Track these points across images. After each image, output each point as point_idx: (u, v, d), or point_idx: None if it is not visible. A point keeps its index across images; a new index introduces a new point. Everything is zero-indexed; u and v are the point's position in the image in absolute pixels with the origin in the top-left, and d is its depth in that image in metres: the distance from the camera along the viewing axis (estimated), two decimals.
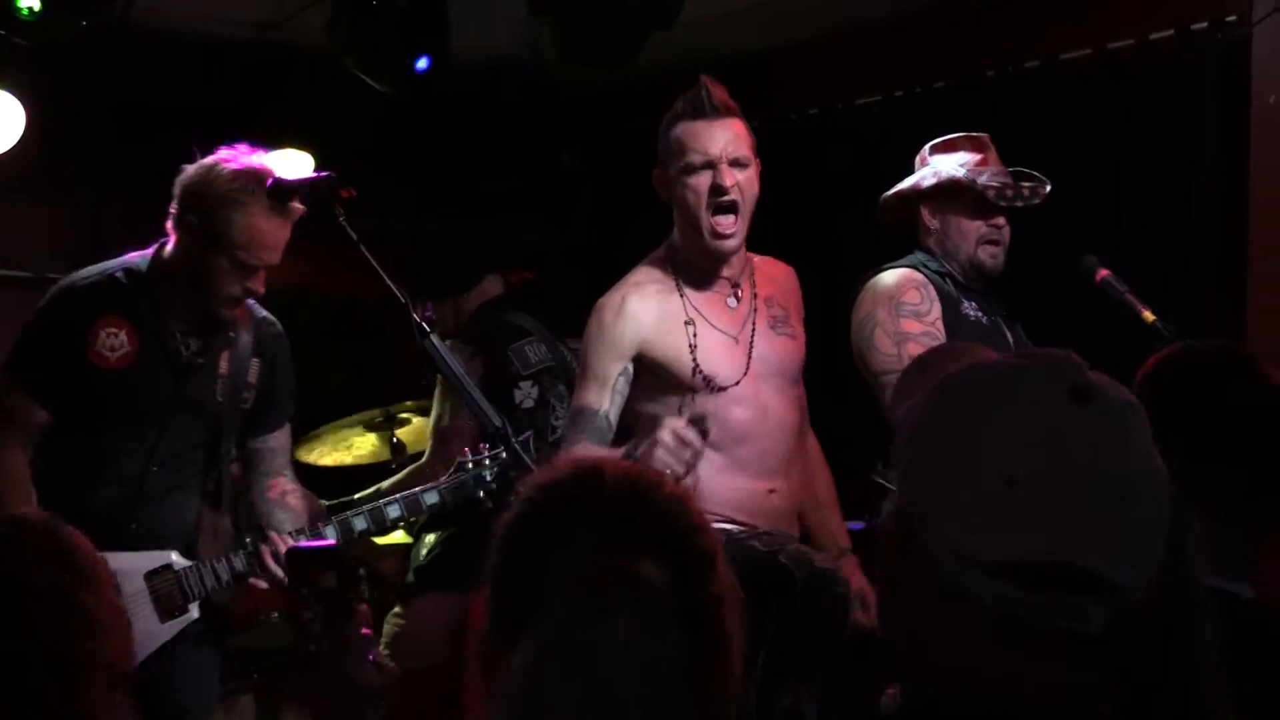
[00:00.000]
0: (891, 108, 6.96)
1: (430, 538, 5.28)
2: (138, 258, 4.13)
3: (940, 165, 4.56)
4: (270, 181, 3.95)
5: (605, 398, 4.00)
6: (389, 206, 6.73)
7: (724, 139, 3.97)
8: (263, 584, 4.06)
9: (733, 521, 3.93)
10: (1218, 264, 5.72)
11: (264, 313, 4.30)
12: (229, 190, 3.95)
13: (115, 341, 4.01)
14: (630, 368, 4.02)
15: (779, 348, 4.12)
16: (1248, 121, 5.62)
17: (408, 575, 5.37)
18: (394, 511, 4.15)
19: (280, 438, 4.36)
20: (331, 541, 3.90)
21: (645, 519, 1.79)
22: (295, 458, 6.27)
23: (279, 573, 4.01)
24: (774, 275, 4.23)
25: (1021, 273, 4.84)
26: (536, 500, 1.84)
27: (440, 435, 5.18)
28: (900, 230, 4.68)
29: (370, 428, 6.23)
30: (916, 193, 4.58)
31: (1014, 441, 1.54)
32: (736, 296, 4.12)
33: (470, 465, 4.14)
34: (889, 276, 4.48)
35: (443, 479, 4.18)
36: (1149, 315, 4.40)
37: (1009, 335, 4.57)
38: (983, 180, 4.49)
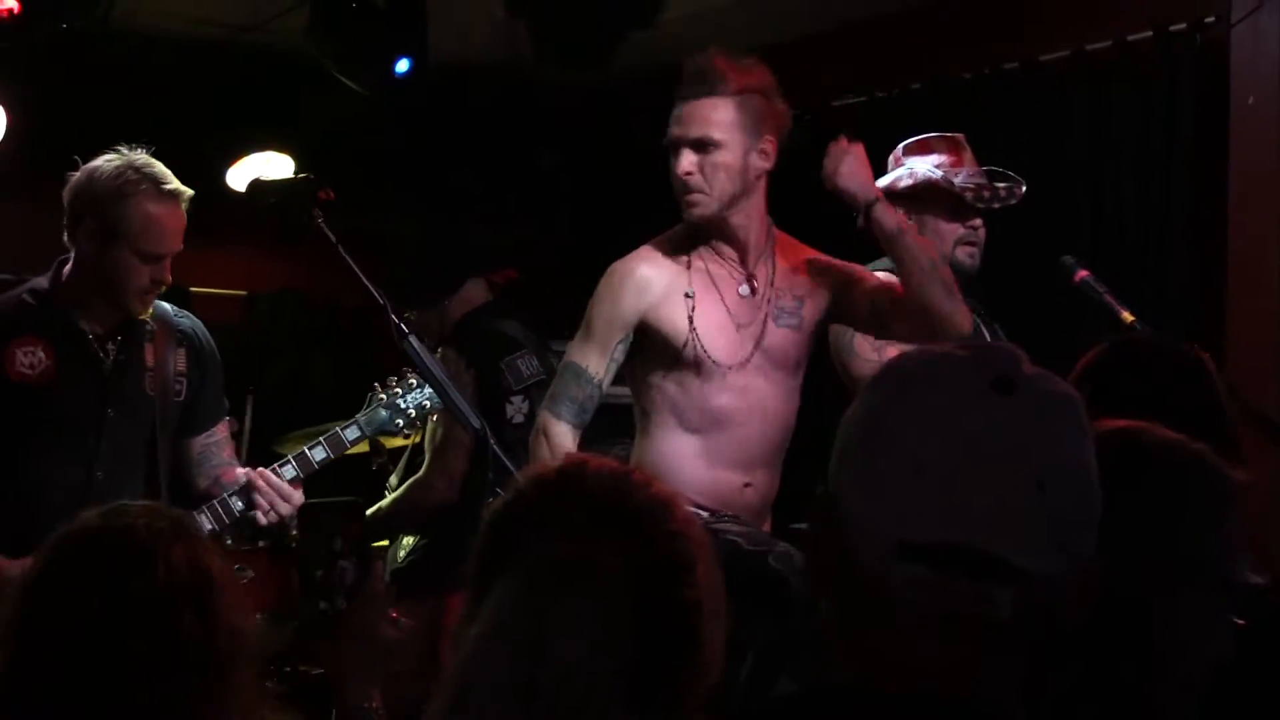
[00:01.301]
0: (870, 109, 6.97)
1: (408, 541, 5.27)
2: (39, 279, 4.21)
3: (915, 166, 4.56)
4: (153, 170, 4.06)
5: (603, 365, 4.08)
6: (368, 208, 6.73)
7: (687, 121, 4.00)
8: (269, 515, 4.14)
9: (701, 506, 3.94)
10: (1196, 265, 5.73)
11: (173, 307, 4.35)
12: (116, 185, 4.04)
13: (33, 359, 4.07)
14: (630, 336, 4.08)
15: (780, 339, 4.11)
16: (1226, 123, 5.63)
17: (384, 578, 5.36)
18: (319, 454, 4.22)
19: (224, 429, 4.42)
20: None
21: (618, 513, 1.82)
22: (276, 453, 6.29)
23: (279, 496, 4.12)
24: (796, 263, 4.19)
25: (1000, 273, 4.86)
26: (522, 489, 1.90)
27: (437, 448, 5.17)
28: (875, 230, 4.68)
29: None
30: (892, 194, 4.57)
31: (924, 429, 1.55)
32: (751, 286, 4.11)
33: (383, 395, 4.21)
34: None
35: (358, 414, 4.24)
36: (1128, 316, 4.40)
37: (987, 335, 4.58)
38: (959, 181, 4.49)
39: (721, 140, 3.97)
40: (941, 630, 1.55)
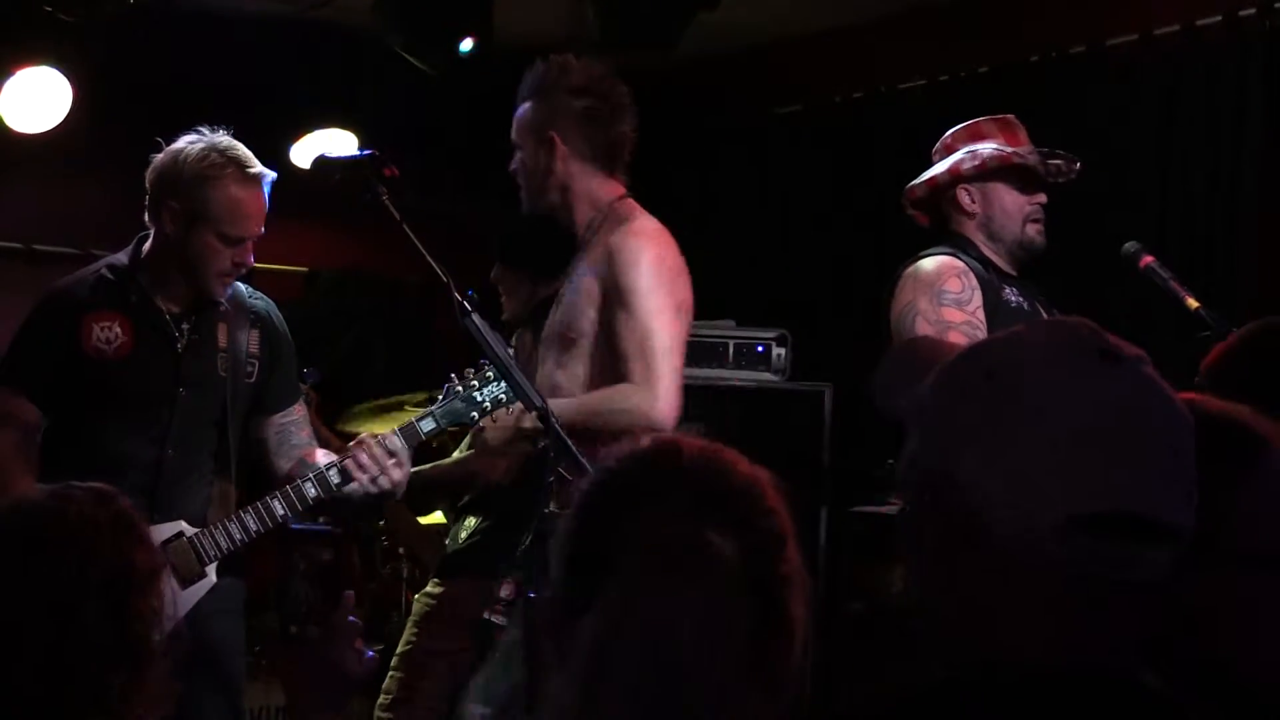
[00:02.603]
0: (935, 92, 6.94)
1: (471, 520, 5.27)
2: (119, 255, 4.22)
3: (976, 148, 4.51)
4: (237, 154, 4.06)
5: None
6: (432, 187, 6.75)
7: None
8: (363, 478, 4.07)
9: None
10: (1263, 251, 5.69)
11: (247, 288, 4.35)
12: (201, 168, 4.04)
13: (110, 334, 4.08)
14: None
15: (557, 314, 4.29)
16: None
17: (445, 552, 5.38)
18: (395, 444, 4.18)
19: (301, 410, 4.41)
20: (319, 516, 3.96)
21: (719, 494, 1.80)
22: (338, 430, 6.32)
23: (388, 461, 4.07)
24: (611, 245, 4.19)
25: (1065, 259, 4.82)
26: (614, 469, 1.87)
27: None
28: (929, 220, 4.65)
29: (415, 407, 6.24)
30: (955, 176, 4.52)
31: (1062, 404, 1.61)
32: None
33: (460, 388, 4.20)
34: (929, 264, 4.44)
35: (434, 405, 4.23)
36: (1192, 302, 4.36)
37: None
38: (1024, 155, 4.46)
39: (518, 143, 4.32)
40: (1094, 603, 1.60)
